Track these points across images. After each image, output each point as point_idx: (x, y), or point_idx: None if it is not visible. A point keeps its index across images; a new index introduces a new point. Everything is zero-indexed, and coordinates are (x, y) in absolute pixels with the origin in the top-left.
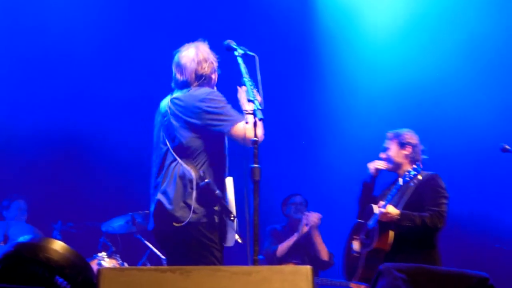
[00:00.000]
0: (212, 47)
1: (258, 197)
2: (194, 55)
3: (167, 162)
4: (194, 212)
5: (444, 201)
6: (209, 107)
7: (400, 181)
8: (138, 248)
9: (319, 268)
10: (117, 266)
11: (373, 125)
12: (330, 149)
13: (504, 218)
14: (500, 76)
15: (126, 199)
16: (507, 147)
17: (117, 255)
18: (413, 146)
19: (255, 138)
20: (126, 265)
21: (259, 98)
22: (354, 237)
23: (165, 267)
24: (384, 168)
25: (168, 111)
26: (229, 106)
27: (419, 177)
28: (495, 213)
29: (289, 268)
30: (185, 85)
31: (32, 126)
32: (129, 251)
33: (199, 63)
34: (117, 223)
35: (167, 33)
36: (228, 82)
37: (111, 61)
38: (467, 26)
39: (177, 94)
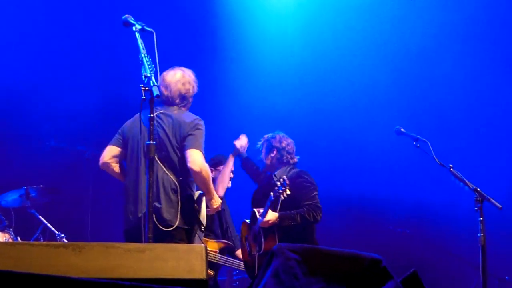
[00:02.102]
0: (111, 22)
1: (153, 173)
2: (181, 76)
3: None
4: (180, 218)
5: (315, 193)
6: (195, 132)
7: (272, 195)
8: (31, 223)
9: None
10: (10, 240)
11: (279, 105)
12: (231, 127)
13: (398, 200)
14: (396, 60)
15: (20, 173)
16: (403, 130)
17: (10, 229)
18: (279, 149)
19: (151, 115)
20: (19, 239)
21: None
22: (246, 237)
23: (58, 242)
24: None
25: (155, 123)
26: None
27: (287, 191)
28: (389, 196)
29: (183, 246)
30: (168, 100)
31: None
32: (23, 225)
33: (184, 84)
34: (10, 197)
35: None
36: (125, 58)
37: None
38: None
39: (163, 110)
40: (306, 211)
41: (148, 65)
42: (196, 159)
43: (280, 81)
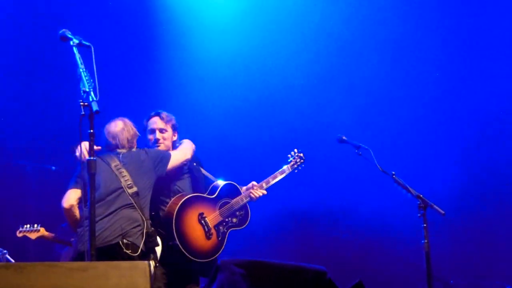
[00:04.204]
0: (48, 37)
1: (95, 190)
2: (123, 125)
3: (120, 203)
4: (145, 244)
5: None
6: (153, 157)
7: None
8: None
9: None
10: None
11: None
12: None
13: (342, 207)
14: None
15: None
16: (344, 138)
17: None
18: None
19: (90, 130)
20: None
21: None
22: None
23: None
24: None
25: (120, 163)
26: (162, 151)
27: None
28: (333, 204)
29: (126, 263)
30: (117, 147)
31: None
32: None
33: (128, 132)
34: None
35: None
36: (64, 72)
37: None
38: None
39: (122, 151)
40: None
41: (86, 80)
42: (176, 163)
43: (224, 80)
